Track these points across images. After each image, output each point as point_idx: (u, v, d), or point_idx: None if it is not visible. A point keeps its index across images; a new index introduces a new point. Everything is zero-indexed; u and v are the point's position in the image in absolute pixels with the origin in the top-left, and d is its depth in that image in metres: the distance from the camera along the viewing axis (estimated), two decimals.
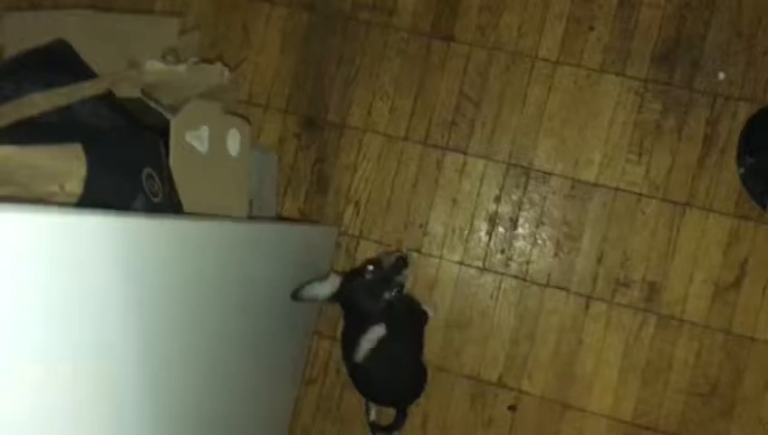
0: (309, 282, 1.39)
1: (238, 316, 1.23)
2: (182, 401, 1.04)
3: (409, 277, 1.57)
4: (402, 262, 1.47)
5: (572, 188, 1.70)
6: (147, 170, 1.13)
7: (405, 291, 1.54)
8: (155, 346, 0.87)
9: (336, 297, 1.44)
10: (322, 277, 1.41)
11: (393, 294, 1.45)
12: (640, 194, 1.67)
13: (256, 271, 1.28)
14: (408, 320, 1.62)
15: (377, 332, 1.45)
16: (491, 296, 1.72)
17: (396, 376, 1.60)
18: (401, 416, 1.68)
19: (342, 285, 1.43)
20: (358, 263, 1.76)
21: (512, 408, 1.71)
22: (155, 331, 0.87)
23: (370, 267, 1.44)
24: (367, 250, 1.76)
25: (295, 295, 1.37)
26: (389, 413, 1.69)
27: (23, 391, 0.61)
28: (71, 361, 0.67)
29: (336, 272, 1.44)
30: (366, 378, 1.57)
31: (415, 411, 1.72)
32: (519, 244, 1.72)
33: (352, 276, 1.45)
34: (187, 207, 1.23)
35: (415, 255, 1.75)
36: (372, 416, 1.70)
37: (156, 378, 0.88)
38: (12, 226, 0.54)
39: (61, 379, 0.66)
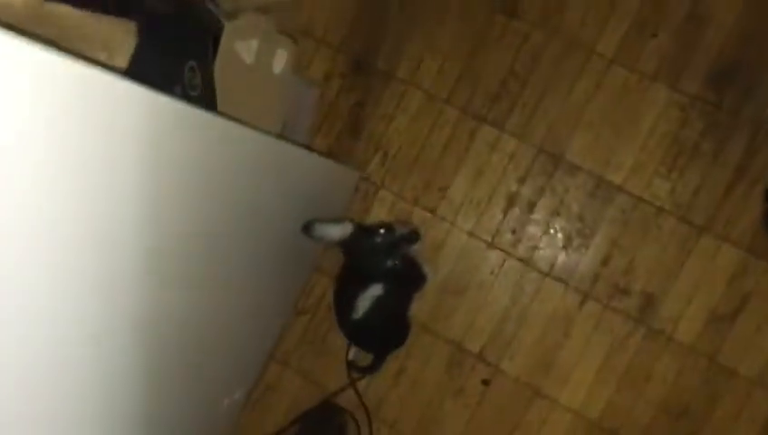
0: (323, 220, 1.40)
1: (247, 229, 1.27)
2: (174, 302, 1.06)
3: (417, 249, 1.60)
4: (415, 236, 1.50)
5: (597, 187, 1.72)
6: (191, 63, 1.17)
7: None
8: (159, 230, 0.86)
9: (343, 245, 1.47)
10: (337, 220, 1.43)
11: (396, 262, 1.49)
12: (661, 208, 1.68)
13: (274, 190, 1.32)
14: (406, 280, 1.66)
15: (373, 290, 1.50)
16: (491, 272, 1.75)
17: (381, 326, 1.65)
18: (378, 362, 1.73)
19: (353, 235, 1.43)
20: (373, 210, 1.80)
21: (485, 382, 1.75)
22: (163, 215, 0.88)
23: (382, 231, 1.46)
24: (384, 200, 1.79)
25: (307, 229, 1.38)
26: (368, 357, 1.75)
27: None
28: (75, 219, 0.67)
29: (351, 220, 1.46)
30: (351, 322, 1.61)
31: (392, 361, 1.77)
32: (531, 228, 1.74)
33: (364, 233, 1.47)
34: (221, 110, 1.27)
35: (428, 215, 1.78)
36: (351, 355, 1.75)
37: (154, 266, 0.88)
38: (58, 70, 0.57)
39: (62, 236, 0.67)
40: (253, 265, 1.40)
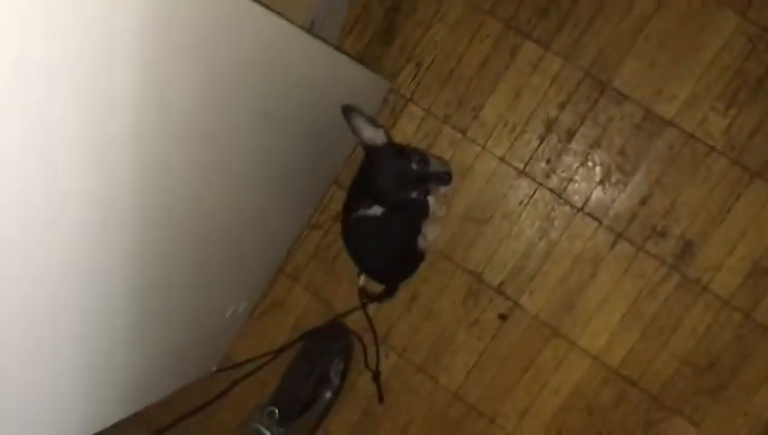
0: (363, 115, 1.28)
1: (269, 126, 1.17)
2: (190, 187, 0.99)
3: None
4: (447, 178, 1.32)
5: (644, 118, 1.58)
6: None
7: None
8: (184, 116, 0.82)
9: (370, 151, 1.31)
10: (374, 123, 1.31)
11: (420, 196, 1.36)
12: (713, 148, 1.54)
13: (299, 88, 1.21)
14: (412, 212, 1.55)
15: (374, 211, 1.36)
16: (520, 202, 1.64)
17: (385, 254, 1.54)
18: (389, 291, 1.65)
19: (383, 149, 1.29)
20: (400, 124, 1.68)
21: (502, 317, 1.66)
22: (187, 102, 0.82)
23: (417, 159, 1.29)
24: (413, 115, 1.68)
25: (346, 112, 1.25)
26: (379, 285, 1.66)
27: None
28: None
29: (386, 131, 1.33)
30: (357, 246, 1.52)
31: (405, 287, 1.68)
32: (568, 159, 1.62)
33: (395, 152, 1.29)
34: None
35: (458, 135, 1.66)
36: (362, 281, 1.66)
37: (175, 151, 0.85)
38: None
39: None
40: (271, 166, 1.31)
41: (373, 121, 1.30)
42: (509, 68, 1.63)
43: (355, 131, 1.28)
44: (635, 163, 1.59)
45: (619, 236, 1.60)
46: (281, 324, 1.77)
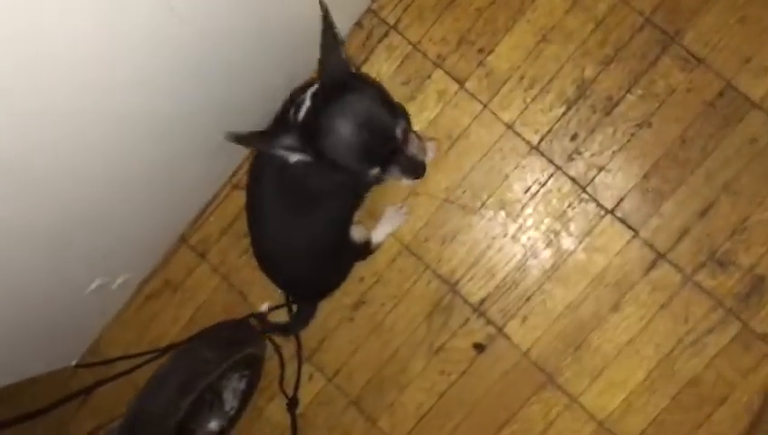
0: (333, 29, 0.80)
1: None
2: None
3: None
4: (418, 170, 0.84)
5: (720, 94, 1.09)
6: None
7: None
8: None
9: (332, 83, 0.81)
10: (340, 39, 0.82)
11: (376, 177, 0.84)
12: None
13: None
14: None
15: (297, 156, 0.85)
16: (526, 189, 1.15)
17: (298, 244, 1.01)
18: (299, 315, 1.15)
19: (358, 83, 0.82)
20: (373, 60, 1.20)
21: (479, 347, 1.17)
22: None
23: (403, 122, 0.80)
24: (393, 48, 1.19)
25: (326, 17, 0.79)
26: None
27: None
28: None
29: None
30: (260, 224, 1.02)
31: (352, 284, 1.19)
32: (601, 139, 1.13)
33: (383, 98, 0.80)
34: None
35: (453, 85, 1.17)
36: (264, 307, 1.16)
37: None
38: None
39: None
40: (179, 76, 0.83)
41: (340, 38, 0.81)
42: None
43: (326, 50, 0.78)
44: (698, 156, 1.10)
45: (661, 256, 1.11)
46: (175, 313, 1.28)
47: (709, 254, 1.11)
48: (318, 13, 0.79)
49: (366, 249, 1.14)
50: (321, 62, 0.80)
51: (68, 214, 0.91)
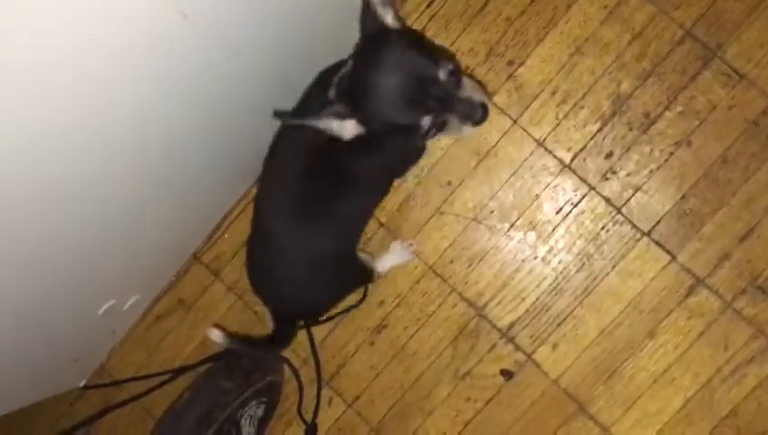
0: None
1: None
2: None
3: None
4: (481, 112, 0.79)
5: (764, 113, 1.05)
6: None
7: None
8: None
9: (373, 36, 0.79)
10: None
11: (429, 131, 0.79)
12: None
13: None
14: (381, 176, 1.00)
15: (341, 127, 0.80)
16: (558, 210, 1.10)
17: (296, 254, 0.94)
18: (277, 336, 1.06)
19: (399, 33, 0.79)
20: None
21: (507, 373, 1.12)
22: None
23: (449, 66, 0.77)
24: None
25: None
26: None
27: None
28: None
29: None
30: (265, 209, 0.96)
31: (372, 308, 1.14)
32: (638, 157, 1.08)
33: (420, 46, 0.77)
34: None
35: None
36: (215, 337, 0.98)
37: None
38: None
39: None
40: (199, 87, 0.78)
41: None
42: (572, 8, 1.09)
43: (365, 10, 0.78)
44: (740, 177, 1.05)
45: (699, 282, 1.06)
46: (187, 333, 1.23)
47: (750, 280, 1.05)
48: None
49: (367, 275, 1.08)
50: (361, 21, 0.78)
51: (82, 236, 0.85)
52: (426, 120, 0.77)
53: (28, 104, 0.56)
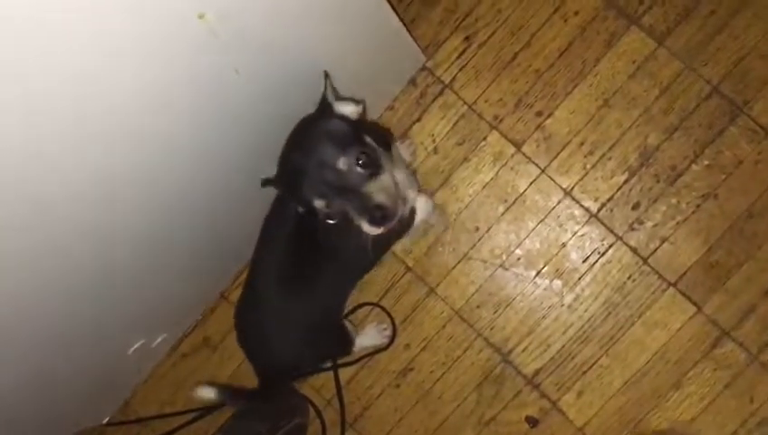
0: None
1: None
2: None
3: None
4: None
5: None
6: None
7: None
8: None
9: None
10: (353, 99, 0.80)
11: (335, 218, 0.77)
12: None
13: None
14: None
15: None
16: (585, 259, 1.11)
17: (285, 314, 0.96)
18: (261, 390, 1.05)
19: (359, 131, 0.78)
20: (426, 119, 1.16)
21: (532, 421, 1.12)
22: None
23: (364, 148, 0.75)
24: (448, 107, 1.16)
25: (327, 76, 0.78)
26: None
27: None
28: None
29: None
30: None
31: (398, 352, 1.15)
32: (664, 209, 1.09)
33: (355, 128, 0.78)
34: None
35: (510, 148, 1.13)
36: (201, 391, 1.00)
37: None
38: None
39: None
40: (230, 136, 0.80)
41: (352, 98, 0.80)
42: (600, 62, 1.11)
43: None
44: (766, 231, 1.06)
45: (725, 334, 1.07)
46: (213, 373, 1.23)
47: None
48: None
49: (348, 344, 1.09)
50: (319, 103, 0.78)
51: (115, 279, 0.87)
52: (318, 203, 0.75)
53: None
